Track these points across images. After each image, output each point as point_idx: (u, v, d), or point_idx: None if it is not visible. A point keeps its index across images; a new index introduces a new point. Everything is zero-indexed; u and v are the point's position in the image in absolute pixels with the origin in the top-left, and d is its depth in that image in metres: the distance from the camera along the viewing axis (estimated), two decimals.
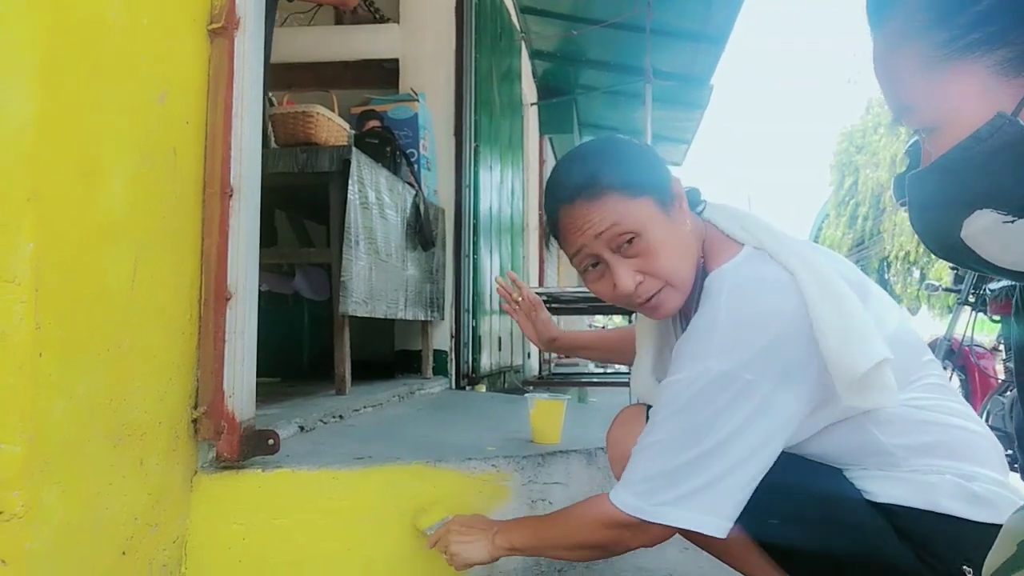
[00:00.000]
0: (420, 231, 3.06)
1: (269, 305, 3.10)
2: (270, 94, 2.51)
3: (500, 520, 1.28)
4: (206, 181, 1.38)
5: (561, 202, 1.12)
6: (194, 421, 1.35)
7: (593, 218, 1.08)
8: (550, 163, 8.85)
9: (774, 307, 1.00)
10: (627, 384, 4.48)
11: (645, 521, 0.99)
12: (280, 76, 3.72)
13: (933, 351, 3.50)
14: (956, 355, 3.74)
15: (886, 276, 28.34)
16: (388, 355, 3.54)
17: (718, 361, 0.98)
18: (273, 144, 2.48)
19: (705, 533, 0.96)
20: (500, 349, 4.56)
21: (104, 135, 1.13)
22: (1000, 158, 0.59)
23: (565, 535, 1.12)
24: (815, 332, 0.98)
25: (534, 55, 6.91)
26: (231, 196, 1.38)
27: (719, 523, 0.97)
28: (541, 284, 7.66)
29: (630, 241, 1.08)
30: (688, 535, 1.06)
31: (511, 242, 5.08)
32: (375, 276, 2.53)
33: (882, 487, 1.02)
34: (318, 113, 2.44)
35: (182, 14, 1.34)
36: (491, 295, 4.19)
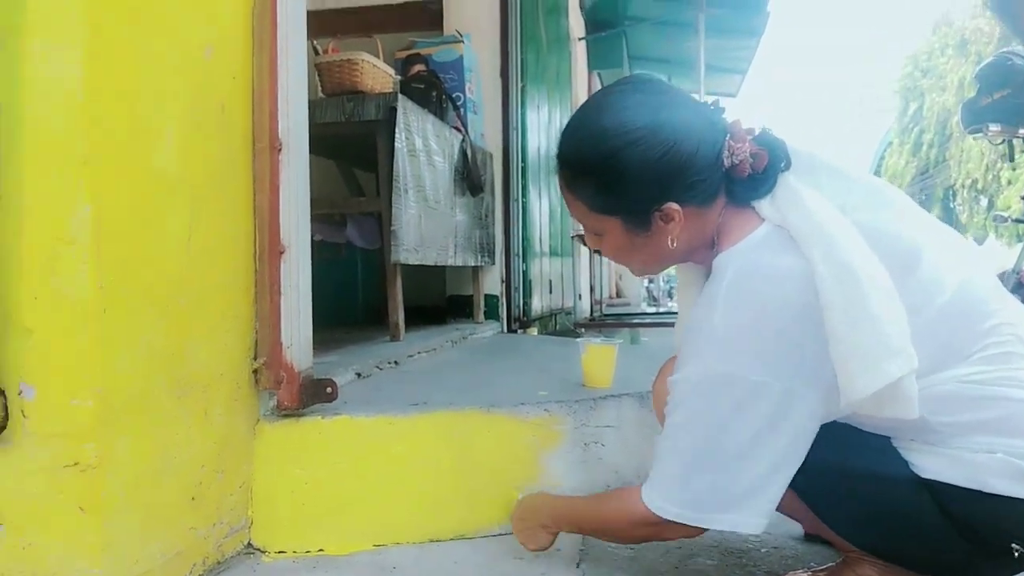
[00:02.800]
0: (468, 176, 3.05)
1: (323, 255, 3.16)
2: (314, 42, 2.49)
3: (548, 496, 1.34)
4: (255, 136, 1.38)
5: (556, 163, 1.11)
6: (255, 372, 1.39)
7: (568, 202, 1.11)
8: None
9: (777, 302, 0.94)
10: None
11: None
12: (323, 23, 3.70)
13: (1001, 282, 3.38)
14: None
15: (952, 205, 27.24)
16: (440, 301, 3.58)
17: (719, 361, 0.95)
18: (320, 94, 2.48)
19: (743, 532, 0.97)
20: (551, 292, 4.56)
21: (153, 94, 1.14)
22: None
23: (605, 530, 1.16)
24: (826, 333, 0.92)
25: None
26: (280, 150, 1.39)
27: (757, 521, 0.96)
28: None
29: (598, 233, 1.10)
30: None
31: (560, 210, 5.02)
32: (424, 223, 2.54)
33: (928, 462, 0.97)
34: (363, 60, 2.42)
35: None
36: (541, 238, 4.17)
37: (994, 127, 2.88)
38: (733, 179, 1.02)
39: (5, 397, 0.98)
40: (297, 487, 1.41)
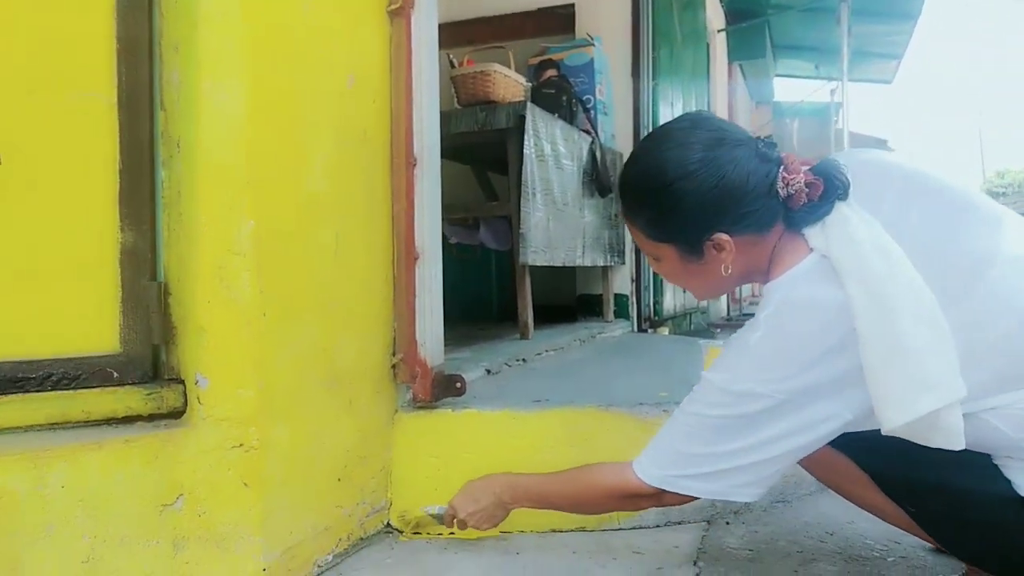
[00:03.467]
0: (597, 178, 3.11)
1: (458, 256, 3.33)
2: (450, 55, 2.65)
3: (504, 475, 1.36)
4: (392, 153, 1.52)
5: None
6: (393, 367, 1.53)
7: (629, 228, 1.19)
8: (741, 91, 8.42)
9: (812, 332, 0.98)
10: None
11: (664, 491, 1.07)
12: (458, 34, 3.88)
13: None
14: None
15: None
16: (570, 300, 3.66)
17: (746, 377, 1.00)
18: (456, 104, 2.62)
19: (731, 499, 1.04)
20: (684, 291, 4.52)
21: (304, 121, 1.30)
22: None
23: (576, 499, 1.24)
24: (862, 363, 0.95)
25: None
26: (415, 165, 1.52)
27: (750, 491, 1.04)
28: None
29: (656, 258, 1.17)
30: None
31: None
32: (553, 225, 2.62)
33: None
34: (495, 71, 2.54)
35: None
36: None
37: None
38: (790, 208, 1.05)
39: (184, 386, 1.16)
40: (431, 473, 1.54)
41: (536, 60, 3.41)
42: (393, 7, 1.51)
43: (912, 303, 0.93)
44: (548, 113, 2.67)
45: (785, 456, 1.01)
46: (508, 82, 2.61)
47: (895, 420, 0.92)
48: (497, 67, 2.55)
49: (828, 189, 1.03)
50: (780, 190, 1.04)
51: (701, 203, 1.04)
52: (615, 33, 3.61)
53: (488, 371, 2.00)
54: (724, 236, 1.05)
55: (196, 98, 1.15)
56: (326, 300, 1.35)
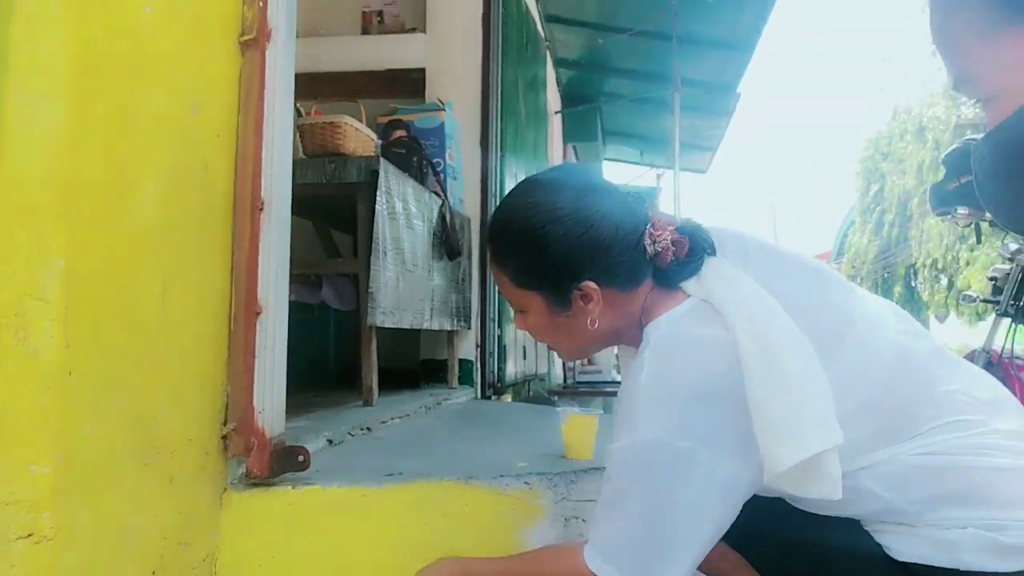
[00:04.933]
0: (446, 240, 3.05)
1: (295, 313, 3.10)
2: (296, 104, 2.50)
3: (467, 558, 1.23)
4: (236, 194, 1.36)
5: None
6: (224, 437, 1.33)
7: (495, 276, 1.14)
8: None
9: (700, 368, 0.95)
10: None
11: None
12: (305, 86, 3.70)
13: (972, 361, 3.41)
14: (995, 367, 3.64)
15: (913, 284, 27.92)
16: (414, 364, 3.52)
17: (647, 429, 0.95)
18: (301, 154, 2.47)
19: None
20: (525, 358, 4.53)
21: (136, 148, 1.12)
22: None
23: None
24: (749, 403, 0.92)
25: (558, 63, 6.89)
26: (262, 210, 1.37)
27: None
28: None
29: (522, 310, 1.12)
30: None
31: None
32: (402, 286, 2.51)
33: (901, 544, 0.95)
34: (346, 124, 2.43)
35: (214, 25, 1.33)
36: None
37: (962, 210, 2.97)
38: (658, 267, 1.05)
39: None
40: (264, 561, 1.34)
41: (386, 119, 3.33)
42: (246, 38, 1.38)
43: (793, 346, 0.93)
44: (400, 173, 2.58)
45: (708, 529, 0.94)
46: (359, 136, 2.51)
47: (788, 459, 0.88)
48: (348, 120, 2.45)
49: (694, 247, 1.05)
50: (648, 246, 1.04)
51: (569, 249, 1.03)
52: (465, 102, 3.62)
53: (330, 441, 1.83)
54: (592, 285, 1.03)
55: (2, 109, 0.95)
56: (147, 357, 1.14)
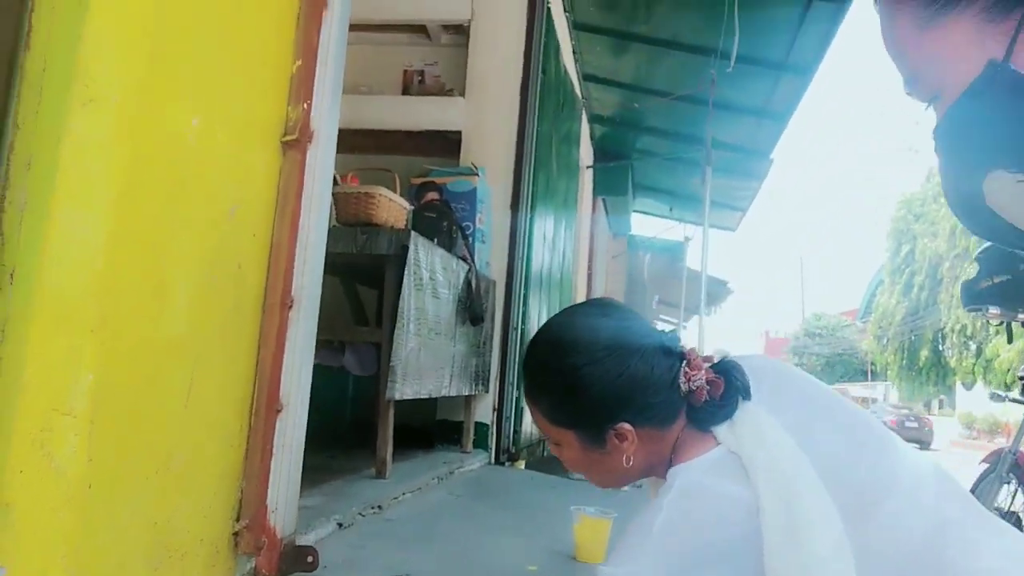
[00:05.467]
0: (470, 307, 3.06)
1: (316, 369, 3.13)
2: (335, 176, 2.55)
3: None
4: (267, 291, 1.38)
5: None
6: (235, 535, 1.33)
7: (531, 410, 1.12)
8: (602, 222, 8.85)
9: (715, 529, 0.93)
10: None
11: None
12: (343, 140, 3.80)
13: (997, 462, 3.32)
14: (1022, 469, 3.55)
15: (941, 348, 27.46)
16: (430, 423, 3.51)
17: (648, 570, 0.93)
18: (334, 221, 2.51)
19: None
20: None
21: (172, 256, 1.14)
22: (999, 109, 0.54)
23: None
24: (764, 567, 0.90)
25: (593, 119, 6.95)
26: (291, 307, 1.38)
27: None
28: None
29: (557, 443, 1.10)
30: None
31: (559, 297, 5.05)
32: (423, 356, 2.52)
33: None
34: (380, 195, 2.47)
35: (257, 126, 1.36)
36: None
37: (993, 310, 2.92)
38: (692, 404, 1.04)
39: None
40: None
41: (419, 181, 3.38)
42: (289, 138, 1.41)
43: (821, 521, 0.91)
44: (429, 241, 2.61)
45: None
46: (392, 206, 2.54)
47: None
48: (383, 191, 2.48)
49: (729, 389, 1.02)
50: (682, 384, 1.03)
51: (605, 391, 1.01)
52: (498, 165, 3.66)
53: (340, 524, 1.82)
54: (627, 426, 1.02)
55: (44, 224, 0.97)
56: (168, 460, 1.15)
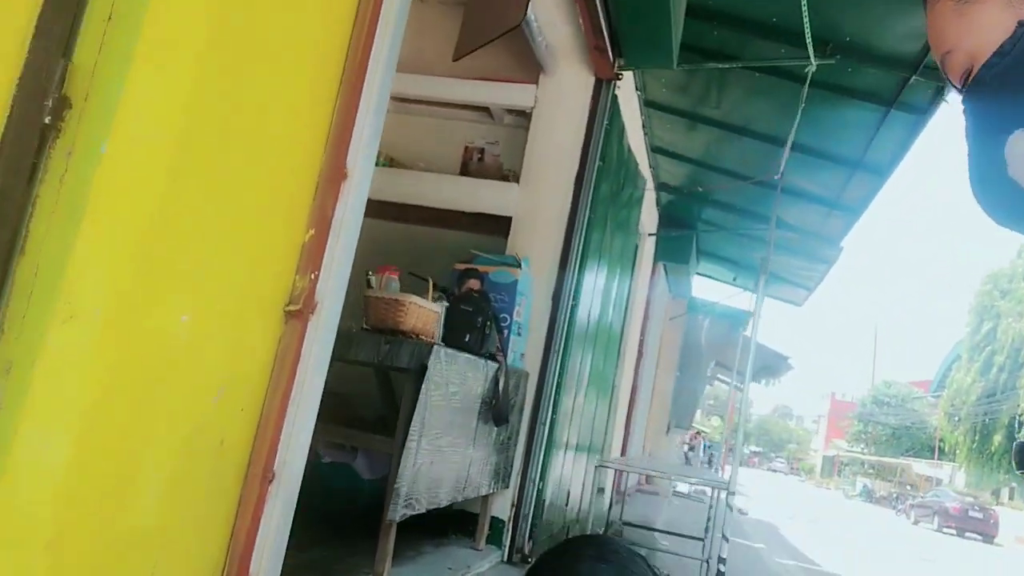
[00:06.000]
0: (495, 406, 3.02)
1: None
2: (369, 273, 2.57)
3: None
4: (250, 463, 1.37)
5: None
6: None
7: None
8: (661, 284, 8.71)
9: None
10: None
11: None
12: (390, 211, 3.85)
13: None
14: None
15: (1016, 435, 25.94)
16: (445, 512, 3.46)
17: None
18: (364, 323, 2.52)
19: None
20: (567, 503, 4.40)
21: (147, 447, 1.14)
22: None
23: None
24: None
25: (660, 187, 6.86)
26: (271, 481, 1.37)
27: None
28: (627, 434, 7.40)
29: None
30: None
31: (597, 393, 4.95)
32: (436, 467, 2.49)
33: None
34: (411, 303, 2.46)
35: (259, 298, 1.36)
36: (566, 457, 4.07)
37: None
38: None
39: None
40: None
41: (463, 267, 3.38)
42: (292, 308, 1.40)
43: None
44: (457, 345, 2.59)
45: None
46: (422, 313, 2.53)
47: None
48: (413, 300, 2.48)
49: None
50: None
51: None
52: (545, 256, 3.64)
53: None
54: None
55: (10, 439, 0.99)
56: None
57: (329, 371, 1.49)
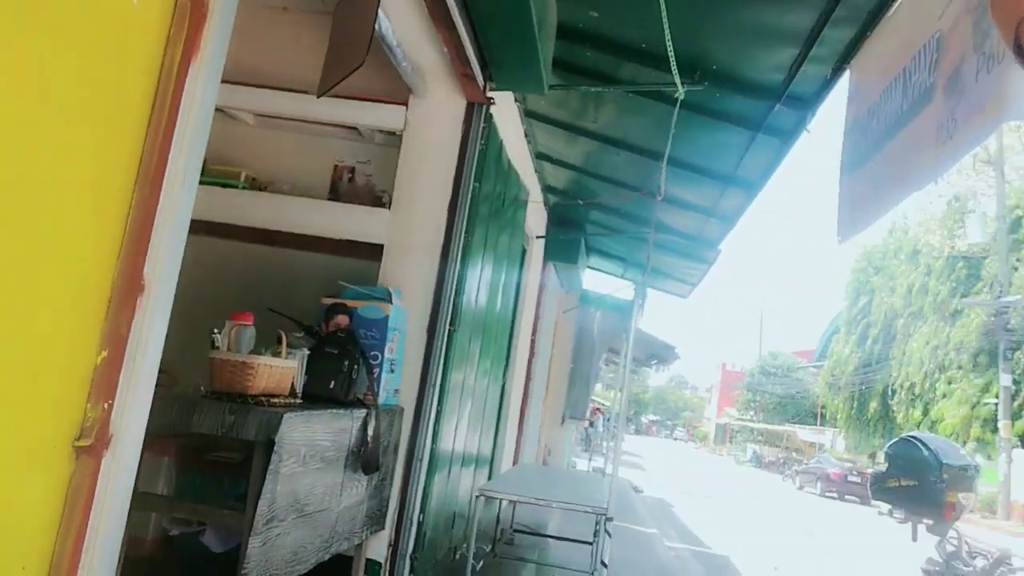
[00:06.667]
0: (364, 454, 2.91)
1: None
2: (214, 331, 2.39)
3: None
4: None
5: None
6: None
7: None
8: (553, 280, 8.76)
9: None
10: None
11: None
12: (258, 235, 3.66)
13: None
14: None
15: (889, 402, 27.92)
16: None
17: None
18: (210, 386, 2.35)
19: None
20: (453, 526, 4.36)
21: None
22: None
23: None
24: None
25: (547, 189, 6.86)
26: None
27: None
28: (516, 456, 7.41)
29: None
30: None
31: (484, 407, 4.91)
32: (295, 536, 2.37)
33: None
34: (260, 364, 2.32)
35: (41, 430, 1.21)
36: (451, 480, 4.01)
37: (898, 514, 2.88)
38: None
39: None
40: None
41: (330, 301, 3.23)
42: (82, 443, 1.26)
43: None
44: (312, 412, 2.45)
45: None
46: (274, 373, 2.39)
47: None
48: (262, 361, 2.33)
49: None
50: None
51: None
52: (419, 283, 3.54)
53: None
54: None
55: None
56: None
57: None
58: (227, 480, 2.87)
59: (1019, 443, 19.84)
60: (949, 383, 23.64)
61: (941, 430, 22.93)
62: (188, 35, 1.25)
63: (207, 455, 2.88)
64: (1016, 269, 21.36)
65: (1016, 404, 19.84)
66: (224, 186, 3.67)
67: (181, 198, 1.34)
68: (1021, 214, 22.47)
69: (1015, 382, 19.96)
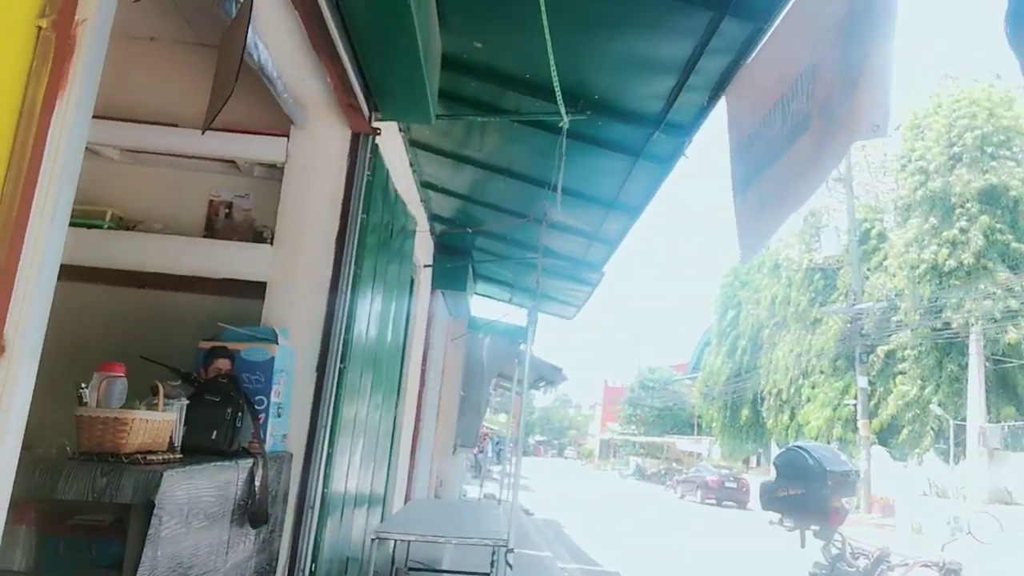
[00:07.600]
0: (251, 505, 2.74)
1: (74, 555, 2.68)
2: (80, 386, 2.18)
3: None
4: None
5: None
6: None
7: None
8: (441, 307, 8.69)
9: None
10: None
11: None
12: (130, 278, 3.40)
13: None
14: None
15: (760, 409, 29.54)
16: None
17: None
18: (77, 448, 2.12)
19: None
20: (346, 573, 4.17)
21: None
22: None
23: None
24: None
25: (433, 218, 6.81)
26: None
27: None
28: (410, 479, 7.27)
29: None
30: None
31: (376, 446, 4.76)
32: None
33: None
34: (134, 420, 2.12)
35: None
36: (344, 523, 3.84)
37: (788, 523, 3.00)
38: None
39: None
40: None
41: (209, 345, 3.03)
42: None
43: None
44: (194, 467, 2.27)
45: None
46: (150, 428, 2.20)
47: None
48: (137, 416, 2.13)
49: None
50: None
51: None
52: (307, 319, 3.39)
53: None
54: None
55: None
56: None
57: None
58: (95, 546, 2.62)
59: (876, 440, 21.44)
60: (813, 387, 25.27)
61: (807, 432, 24.47)
62: (53, 69, 1.12)
63: (71, 519, 2.62)
64: (867, 278, 23.22)
65: (872, 404, 21.49)
66: (88, 227, 3.38)
67: (47, 248, 1.20)
68: (869, 227, 24.53)
69: (870, 383, 21.61)
